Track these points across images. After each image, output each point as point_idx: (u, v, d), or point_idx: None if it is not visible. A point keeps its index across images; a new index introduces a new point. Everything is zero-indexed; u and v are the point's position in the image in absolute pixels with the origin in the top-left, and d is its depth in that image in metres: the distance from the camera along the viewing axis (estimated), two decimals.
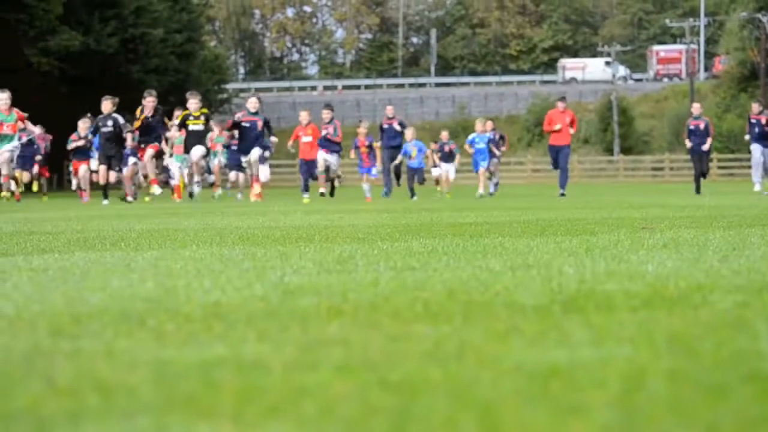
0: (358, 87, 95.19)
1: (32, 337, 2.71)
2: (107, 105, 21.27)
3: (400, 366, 2.21)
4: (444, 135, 28.44)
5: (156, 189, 21.52)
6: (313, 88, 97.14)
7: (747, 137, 24.77)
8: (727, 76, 77.53)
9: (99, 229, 8.75)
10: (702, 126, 25.29)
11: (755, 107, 24.71)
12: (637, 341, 2.49)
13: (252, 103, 22.46)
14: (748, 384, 1.98)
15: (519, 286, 3.67)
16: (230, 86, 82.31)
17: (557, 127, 24.67)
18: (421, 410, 1.80)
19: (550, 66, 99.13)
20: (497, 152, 27.28)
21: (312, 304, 3.28)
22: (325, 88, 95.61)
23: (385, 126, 25.63)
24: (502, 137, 28.94)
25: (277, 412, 1.80)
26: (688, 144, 25.13)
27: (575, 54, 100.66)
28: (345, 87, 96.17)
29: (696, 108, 25.91)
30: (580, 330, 2.67)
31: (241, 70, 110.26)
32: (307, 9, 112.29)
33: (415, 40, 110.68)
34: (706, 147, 24.64)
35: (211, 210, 14.88)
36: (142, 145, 21.88)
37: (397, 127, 25.39)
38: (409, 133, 25.37)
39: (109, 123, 21.07)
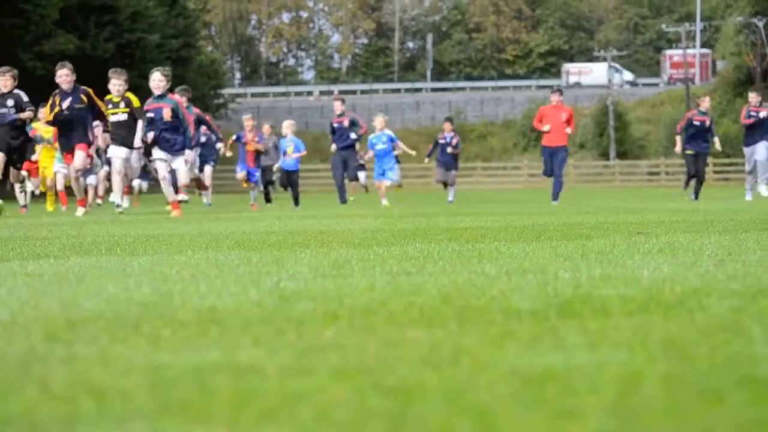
0: (354, 92, 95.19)
1: (27, 342, 2.71)
2: (6, 81, 16.46)
3: (396, 370, 2.21)
4: (379, 122, 24.25)
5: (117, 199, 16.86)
6: (309, 93, 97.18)
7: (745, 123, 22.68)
8: (723, 81, 77.59)
9: (94, 235, 8.75)
10: (708, 123, 22.55)
11: (754, 98, 22.75)
12: (632, 346, 2.49)
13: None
14: (744, 388, 1.98)
15: (514, 291, 3.67)
16: (226, 91, 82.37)
17: (546, 128, 21.39)
18: (416, 415, 1.80)
19: (546, 71, 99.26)
20: (453, 151, 24.70)
21: (308, 309, 3.28)
22: (321, 93, 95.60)
23: (335, 125, 22.50)
24: (457, 143, 25.54)
25: (272, 417, 1.80)
26: (679, 146, 23.03)
27: (571, 59, 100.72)
28: (341, 92, 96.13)
29: (705, 102, 22.80)
30: (576, 334, 2.67)
31: (237, 75, 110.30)
32: (303, 14, 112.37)
33: (411, 45, 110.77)
34: (717, 144, 22.33)
35: (205, 215, 14.88)
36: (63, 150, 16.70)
37: (346, 125, 22.13)
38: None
39: (9, 103, 16.28)
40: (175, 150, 15.89)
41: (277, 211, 18.20)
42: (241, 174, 22.68)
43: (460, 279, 4.16)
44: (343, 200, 22.75)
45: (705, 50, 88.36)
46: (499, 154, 77.79)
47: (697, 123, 22.30)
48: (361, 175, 25.75)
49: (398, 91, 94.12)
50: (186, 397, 1.97)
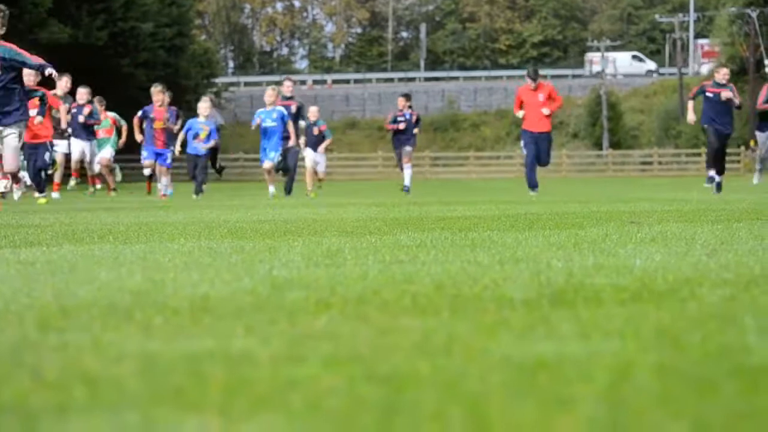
0: (347, 81, 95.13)
1: (20, 329, 2.71)
2: None
3: (388, 359, 2.21)
4: (312, 112, 23.36)
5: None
6: (303, 82, 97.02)
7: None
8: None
9: (87, 222, 8.73)
10: (726, 96, 18.24)
11: (723, 73, 18.82)
12: (624, 335, 2.50)
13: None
14: (736, 378, 1.99)
15: (507, 280, 3.68)
16: (220, 80, 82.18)
17: (520, 114, 19.33)
18: (408, 403, 1.80)
19: (540, 61, 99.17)
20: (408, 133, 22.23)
21: (300, 297, 3.28)
22: (315, 82, 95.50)
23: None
24: (418, 119, 23.24)
25: (264, 405, 1.80)
26: (692, 117, 18.87)
27: (565, 49, 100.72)
28: (334, 81, 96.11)
29: (721, 72, 18.81)
30: (568, 323, 2.68)
31: (231, 64, 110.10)
32: (297, 3, 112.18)
33: (404, 34, 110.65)
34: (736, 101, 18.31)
35: (198, 204, 14.87)
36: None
37: (294, 111, 19.53)
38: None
39: None
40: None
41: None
42: (147, 162, 19.26)
43: (453, 268, 4.16)
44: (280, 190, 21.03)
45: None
46: (492, 143, 77.82)
47: (711, 95, 18.33)
48: (320, 165, 24.57)
49: (391, 80, 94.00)
50: (178, 385, 1.97)
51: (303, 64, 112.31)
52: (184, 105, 45.37)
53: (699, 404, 1.79)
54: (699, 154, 62.78)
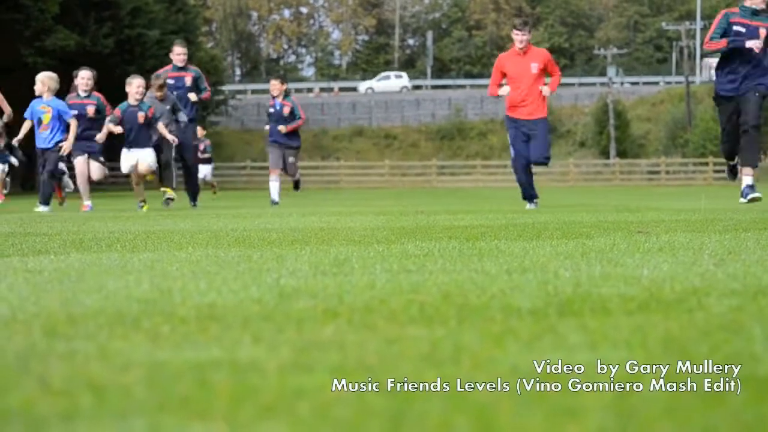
0: (354, 89, 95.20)
1: (27, 337, 2.71)
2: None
3: (396, 368, 2.21)
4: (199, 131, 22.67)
5: None
6: (310, 89, 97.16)
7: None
8: None
9: (95, 231, 8.75)
10: (765, 32, 12.37)
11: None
12: (632, 344, 2.49)
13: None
14: (743, 387, 1.98)
15: (515, 289, 3.67)
16: (226, 88, 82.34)
17: (503, 91, 14.10)
18: (416, 412, 1.80)
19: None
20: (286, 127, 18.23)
21: (308, 306, 3.28)
22: (322, 89, 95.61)
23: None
24: (292, 112, 18.84)
25: (271, 414, 1.80)
26: (711, 62, 14.61)
27: (571, 57, 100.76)
28: (341, 89, 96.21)
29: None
30: (576, 333, 2.67)
31: (238, 71, 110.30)
32: (304, 10, 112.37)
33: (411, 42, 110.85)
34: None
35: (206, 213, 14.88)
36: None
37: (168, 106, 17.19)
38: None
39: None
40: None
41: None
42: None
43: (460, 277, 4.15)
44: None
45: None
46: (499, 151, 77.82)
47: (741, 28, 12.41)
48: (204, 169, 24.08)
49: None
50: (185, 394, 1.97)
51: (310, 72, 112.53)
52: None
53: (707, 414, 1.78)
54: (706, 164, 62.77)
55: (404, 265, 4.77)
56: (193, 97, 18.01)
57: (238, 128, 78.86)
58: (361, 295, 3.55)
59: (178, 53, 18.32)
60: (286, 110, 18.83)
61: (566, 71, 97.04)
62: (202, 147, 25.14)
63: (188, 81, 18.12)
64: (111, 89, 31.03)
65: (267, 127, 19.26)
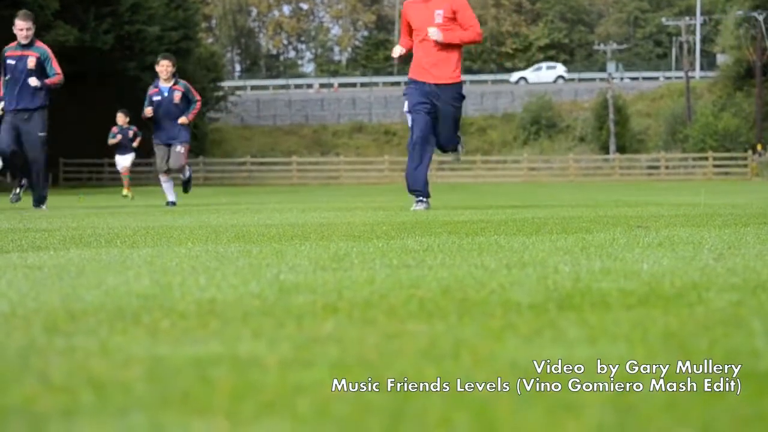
0: (354, 85, 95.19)
1: (27, 334, 2.71)
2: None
3: (395, 364, 2.21)
4: (120, 118, 21.34)
5: None
6: (309, 85, 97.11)
7: None
8: (723, 75, 77.55)
9: (94, 227, 8.74)
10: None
11: None
12: (632, 339, 2.49)
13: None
14: (743, 382, 1.98)
15: (514, 284, 3.67)
16: (226, 84, 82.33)
17: (397, 51, 11.95)
18: (415, 408, 1.80)
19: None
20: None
21: (307, 301, 3.28)
22: (321, 85, 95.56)
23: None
24: (185, 97, 16.52)
25: (271, 410, 1.80)
26: None
27: (571, 52, 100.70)
28: (341, 85, 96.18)
29: None
30: (575, 328, 2.67)
31: (237, 67, 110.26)
32: (303, 6, 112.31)
33: None
34: None
35: (206, 208, 14.86)
36: None
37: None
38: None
39: None
40: None
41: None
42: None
43: (459, 272, 4.15)
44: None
45: None
46: (499, 147, 77.85)
47: None
48: (125, 159, 22.27)
49: (398, 84, 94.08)
50: (185, 389, 1.97)
51: (309, 68, 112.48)
52: None
53: (706, 409, 1.78)
54: (706, 159, 62.76)
55: (404, 260, 4.77)
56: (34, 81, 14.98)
57: (237, 124, 78.85)
58: (360, 291, 3.55)
59: (21, 28, 15.23)
60: (177, 96, 16.19)
61: (566, 66, 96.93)
62: (131, 134, 23.73)
63: (31, 62, 15.13)
64: (110, 84, 31.00)
65: (147, 114, 16.25)
